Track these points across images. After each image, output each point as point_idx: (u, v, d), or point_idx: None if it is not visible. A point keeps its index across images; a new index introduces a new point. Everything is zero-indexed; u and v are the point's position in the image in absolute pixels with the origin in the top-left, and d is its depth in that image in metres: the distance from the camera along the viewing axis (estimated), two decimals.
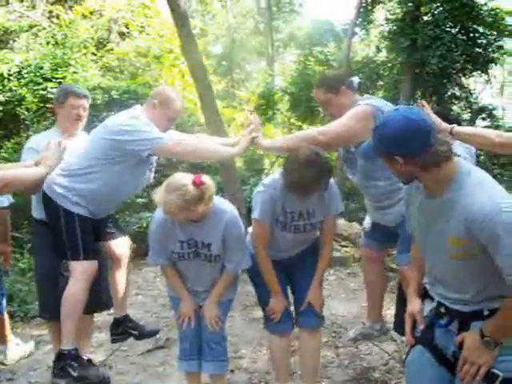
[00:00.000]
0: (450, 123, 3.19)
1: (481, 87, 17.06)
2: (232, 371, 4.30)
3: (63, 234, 3.52)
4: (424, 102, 3.31)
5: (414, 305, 2.50)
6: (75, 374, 3.47)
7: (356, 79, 3.63)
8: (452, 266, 2.21)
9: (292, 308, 3.67)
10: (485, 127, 12.64)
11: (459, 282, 2.24)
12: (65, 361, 3.49)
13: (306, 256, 3.58)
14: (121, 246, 3.94)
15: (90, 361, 3.93)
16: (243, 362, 4.61)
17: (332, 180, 3.36)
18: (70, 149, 3.69)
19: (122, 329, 4.05)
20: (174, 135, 3.70)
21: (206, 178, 3.11)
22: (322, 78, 3.82)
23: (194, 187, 3.02)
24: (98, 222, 3.72)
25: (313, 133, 3.46)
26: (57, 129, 4.08)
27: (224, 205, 3.37)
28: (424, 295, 2.53)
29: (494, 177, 3.27)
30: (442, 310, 2.34)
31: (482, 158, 9.39)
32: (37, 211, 3.94)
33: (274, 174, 3.46)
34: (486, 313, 2.18)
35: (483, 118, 13.01)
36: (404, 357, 2.69)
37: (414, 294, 2.55)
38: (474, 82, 15.99)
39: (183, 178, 3.07)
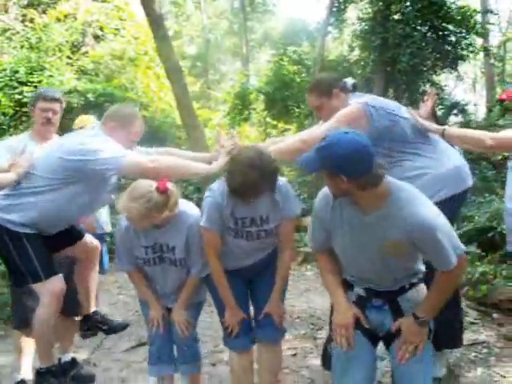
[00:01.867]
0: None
1: (454, 84, 17.38)
2: (213, 365, 4.41)
3: (16, 260, 3.31)
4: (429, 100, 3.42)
5: (352, 310, 2.63)
6: None
7: (350, 80, 3.51)
8: (383, 266, 2.53)
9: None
10: (457, 123, 12.91)
11: (386, 276, 2.59)
12: (43, 377, 3.44)
13: (267, 264, 3.29)
14: (82, 246, 3.75)
15: (74, 359, 3.99)
16: (223, 355, 4.68)
17: (285, 182, 3.13)
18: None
19: (91, 324, 3.94)
20: (142, 154, 3.49)
21: (171, 185, 3.02)
22: (314, 83, 3.74)
23: (158, 194, 2.92)
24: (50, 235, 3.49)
25: (297, 143, 3.30)
26: (30, 133, 4.00)
27: (188, 207, 3.25)
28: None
29: None
30: (372, 294, 2.65)
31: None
32: None
33: (221, 178, 3.14)
34: (407, 286, 2.61)
35: (455, 114, 13.24)
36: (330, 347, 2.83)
37: (346, 301, 2.66)
38: (446, 78, 16.30)
39: (147, 185, 2.96)
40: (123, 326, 4.09)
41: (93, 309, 3.96)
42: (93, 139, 3.22)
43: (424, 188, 2.99)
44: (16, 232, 3.25)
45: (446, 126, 3.23)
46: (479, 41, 13.74)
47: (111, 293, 5.92)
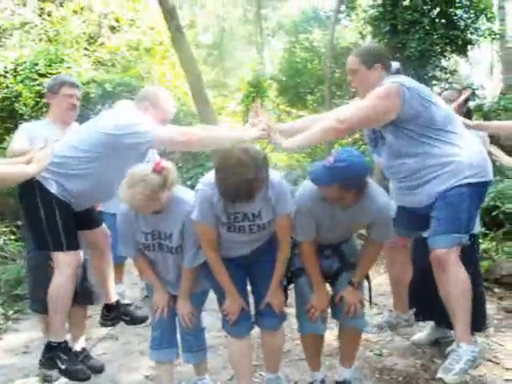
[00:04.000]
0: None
1: (470, 69, 17.22)
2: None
3: (43, 224, 3.36)
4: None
5: (328, 297, 3.44)
6: (62, 367, 3.47)
7: (396, 64, 3.49)
8: (342, 235, 3.43)
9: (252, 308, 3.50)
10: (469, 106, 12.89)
11: (340, 239, 3.45)
12: (54, 352, 3.48)
13: (264, 254, 3.34)
14: (100, 234, 3.86)
15: (84, 349, 4.04)
16: None
17: (280, 178, 3.15)
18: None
19: (114, 314, 4.01)
20: (176, 127, 3.66)
21: (166, 163, 3.06)
22: (362, 47, 3.88)
23: (155, 175, 2.96)
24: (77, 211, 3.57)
25: (332, 123, 3.32)
26: (50, 119, 4.03)
27: (186, 195, 3.24)
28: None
29: None
30: (322, 248, 3.43)
31: None
32: None
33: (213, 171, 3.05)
34: (346, 238, 3.49)
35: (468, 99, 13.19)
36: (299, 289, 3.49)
37: (325, 289, 3.45)
38: (463, 64, 16.18)
39: (142, 170, 3.00)
40: (143, 319, 4.15)
41: (114, 298, 4.00)
42: (128, 115, 3.42)
43: (451, 176, 3.19)
44: (50, 197, 3.32)
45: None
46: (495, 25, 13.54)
47: (132, 274, 6.18)
